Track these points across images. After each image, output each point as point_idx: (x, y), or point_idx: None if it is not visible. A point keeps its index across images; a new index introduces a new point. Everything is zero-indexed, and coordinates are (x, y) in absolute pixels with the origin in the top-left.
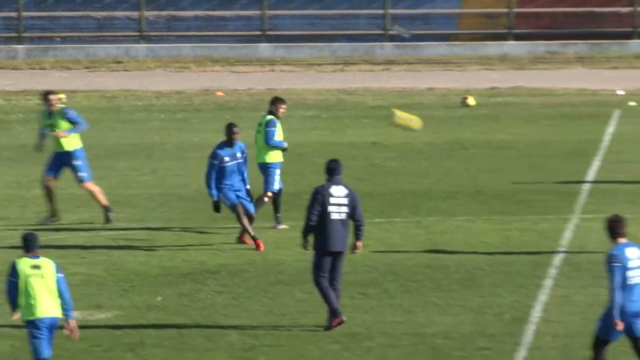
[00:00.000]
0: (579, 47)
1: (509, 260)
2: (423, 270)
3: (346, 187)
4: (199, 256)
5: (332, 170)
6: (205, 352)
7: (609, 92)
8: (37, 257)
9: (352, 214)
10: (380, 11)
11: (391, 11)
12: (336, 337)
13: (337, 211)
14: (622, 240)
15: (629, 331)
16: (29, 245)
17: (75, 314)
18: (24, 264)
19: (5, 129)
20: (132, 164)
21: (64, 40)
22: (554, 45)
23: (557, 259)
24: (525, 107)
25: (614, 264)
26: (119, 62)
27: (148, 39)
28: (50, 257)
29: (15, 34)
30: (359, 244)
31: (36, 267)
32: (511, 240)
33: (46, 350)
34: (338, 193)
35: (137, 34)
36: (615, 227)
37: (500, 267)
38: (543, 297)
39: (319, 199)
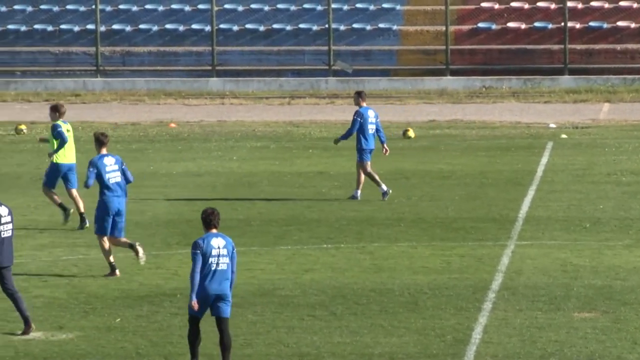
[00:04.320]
0: (512, 82)
1: (450, 284)
2: (369, 294)
3: (6, 206)
4: (155, 280)
5: None
6: None
7: (542, 125)
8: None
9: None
10: (325, 47)
11: (335, 47)
12: (287, 357)
13: (6, 229)
14: (213, 231)
15: (214, 311)
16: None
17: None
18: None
19: None
20: (90, 192)
21: (24, 74)
22: (489, 80)
23: (496, 284)
24: (463, 139)
25: (194, 251)
26: (77, 95)
27: (104, 73)
28: (15, 280)
29: None
30: None
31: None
32: (451, 265)
33: None
34: (4, 212)
35: (93, 68)
36: (209, 220)
37: (442, 291)
38: (483, 319)
39: None
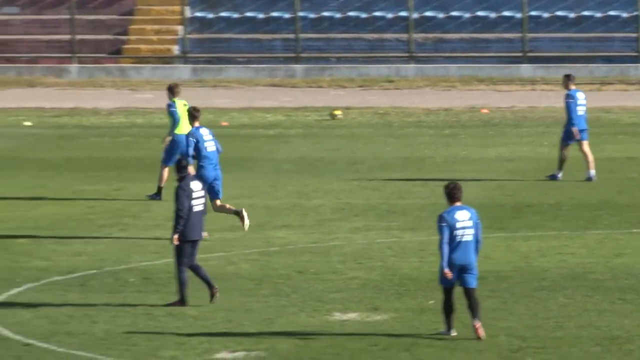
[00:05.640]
0: None
1: None
2: None
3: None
4: None
5: (184, 168)
6: (475, 353)
7: None
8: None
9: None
10: (634, 34)
11: None
12: (598, 340)
13: (199, 203)
14: (457, 204)
15: (460, 282)
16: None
17: None
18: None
19: (286, 142)
20: (404, 176)
21: (339, 60)
22: None
23: None
24: None
25: (441, 224)
26: (390, 81)
27: (417, 60)
28: (329, 262)
29: (293, 55)
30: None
31: (185, 104)
32: None
33: None
34: (197, 187)
35: (406, 54)
36: (452, 193)
37: None
38: None
39: (187, 195)
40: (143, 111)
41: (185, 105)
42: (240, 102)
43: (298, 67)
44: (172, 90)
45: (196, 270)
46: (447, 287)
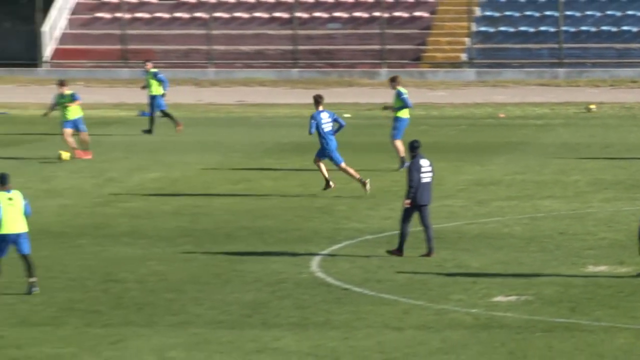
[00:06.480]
0: None
1: None
2: None
3: (428, 159)
4: None
5: (416, 148)
6: None
7: None
8: (9, 190)
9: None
10: None
11: None
12: None
13: (427, 176)
14: None
15: None
16: (3, 181)
17: None
18: (2, 196)
19: (551, 130)
20: None
21: (594, 65)
22: None
23: None
24: None
25: None
26: (635, 82)
27: None
28: (585, 226)
29: (557, 61)
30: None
31: (10, 198)
32: None
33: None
34: (425, 164)
35: None
36: None
37: None
38: None
39: (416, 169)
40: (438, 106)
41: (406, 93)
42: (514, 98)
43: (561, 71)
44: (396, 80)
45: (426, 230)
46: None
